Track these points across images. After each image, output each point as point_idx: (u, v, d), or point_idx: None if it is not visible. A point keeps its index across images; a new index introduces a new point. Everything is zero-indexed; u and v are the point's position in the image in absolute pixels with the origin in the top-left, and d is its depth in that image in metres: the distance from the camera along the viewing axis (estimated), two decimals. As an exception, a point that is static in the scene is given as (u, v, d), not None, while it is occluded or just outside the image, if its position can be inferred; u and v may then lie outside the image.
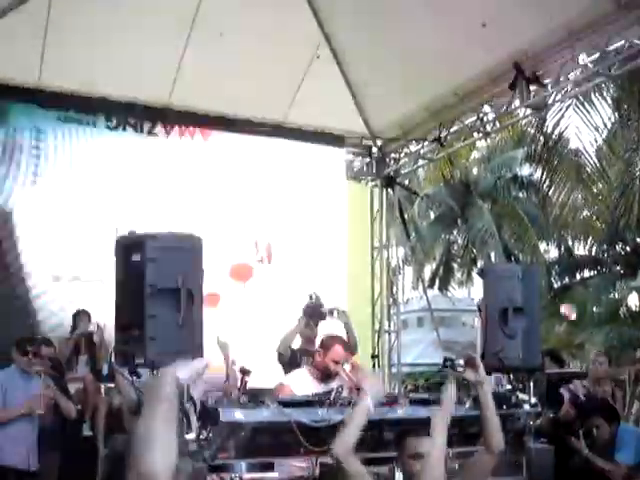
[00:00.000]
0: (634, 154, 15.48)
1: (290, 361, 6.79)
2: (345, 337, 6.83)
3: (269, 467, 4.76)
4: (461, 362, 4.19)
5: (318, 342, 5.87)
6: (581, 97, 13.82)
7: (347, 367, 5.65)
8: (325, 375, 5.40)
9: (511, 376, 5.02)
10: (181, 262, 4.06)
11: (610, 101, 15.20)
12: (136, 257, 4.01)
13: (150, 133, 9.61)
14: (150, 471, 2.16)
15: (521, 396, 4.95)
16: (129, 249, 4.09)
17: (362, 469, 3.71)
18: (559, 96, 9.22)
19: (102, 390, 7.85)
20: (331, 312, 6.82)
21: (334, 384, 5.09)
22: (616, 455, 6.20)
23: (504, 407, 4.82)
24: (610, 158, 16.93)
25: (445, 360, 4.31)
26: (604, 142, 16.46)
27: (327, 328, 6.99)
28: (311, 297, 6.87)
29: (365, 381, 4.10)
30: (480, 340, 4.92)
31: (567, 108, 14.49)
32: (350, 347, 6.25)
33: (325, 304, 6.93)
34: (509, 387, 5.00)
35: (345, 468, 3.66)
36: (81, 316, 8.27)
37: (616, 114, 15.51)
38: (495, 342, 4.84)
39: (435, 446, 3.74)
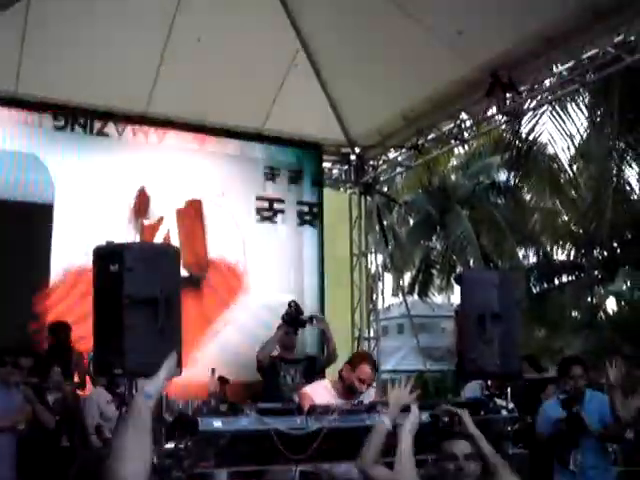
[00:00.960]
0: (608, 160, 15.64)
1: (270, 369, 6.80)
2: (324, 344, 6.84)
3: (249, 475, 4.77)
4: (445, 419, 4.17)
5: (348, 359, 5.79)
6: (556, 104, 13.93)
7: (373, 391, 5.59)
8: (349, 391, 5.24)
9: (489, 382, 5.04)
10: (159, 272, 4.07)
11: (584, 108, 15.37)
12: (114, 267, 4.01)
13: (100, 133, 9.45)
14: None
15: (498, 402, 4.98)
16: (107, 259, 4.09)
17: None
18: (534, 103, 9.32)
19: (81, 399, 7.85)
20: (310, 320, 6.85)
21: (355, 400, 5.04)
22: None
23: (481, 413, 4.85)
24: (585, 164, 17.10)
25: (431, 416, 4.28)
26: (578, 149, 16.62)
27: (306, 335, 7.01)
28: (290, 305, 6.89)
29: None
30: (457, 346, 4.94)
31: (542, 115, 14.62)
32: (377, 367, 6.13)
33: (304, 312, 6.95)
34: (486, 393, 5.03)
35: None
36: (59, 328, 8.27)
37: (590, 121, 15.66)
38: (472, 348, 4.86)
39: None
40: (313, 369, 6.91)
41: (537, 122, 15.12)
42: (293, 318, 6.83)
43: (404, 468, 3.68)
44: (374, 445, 3.83)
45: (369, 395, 5.46)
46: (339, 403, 4.89)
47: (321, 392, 5.31)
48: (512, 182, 20.35)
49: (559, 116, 14.92)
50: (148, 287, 3.98)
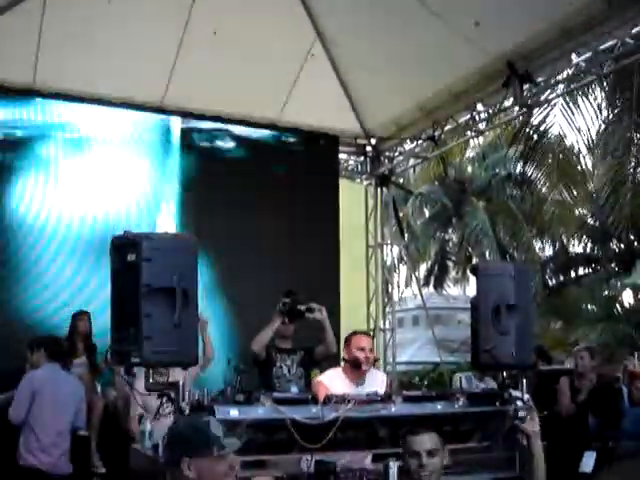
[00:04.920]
0: (625, 152, 15.56)
1: (266, 360, 6.65)
2: (322, 334, 6.70)
3: (261, 465, 4.79)
4: (522, 413, 4.44)
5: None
6: (573, 95, 13.87)
7: (383, 377, 5.60)
8: (355, 366, 5.32)
9: (504, 373, 5.02)
10: (176, 262, 4.08)
11: (599, 100, 15.31)
12: (131, 257, 4.03)
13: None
14: None
15: (514, 393, 4.97)
16: (124, 249, 4.10)
17: None
18: (552, 94, 9.28)
19: (99, 389, 7.91)
20: (308, 309, 6.64)
21: (369, 388, 5.03)
22: None
23: (496, 404, 4.86)
24: (602, 156, 17.02)
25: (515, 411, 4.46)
26: (594, 141, 16.56)
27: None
28: (287, 294, 6.71)
29: None
30: (472, 338, 4.93)
31: (554, 107, 14.55)
32: (373, 335, 6.15)
33: (302, 301, 6.75)
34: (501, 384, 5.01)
35: None
36: (80, 317, 8.28)
37: (607, 112, 15.59)
38: (488, 339, 4.85)
39: None
40: (310, 360, 6.78)
41: (548, 114, 15.05)
42: (290, 307, 6.67)
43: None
44: None
45: (380, 379, 5.46)
46: (352, 390, 4.91)
47: (336, 380, 5.35)
48: (523, 173, 20.25)
49: (570, 109, 14.85)
50: (165, 277, 4.00)
